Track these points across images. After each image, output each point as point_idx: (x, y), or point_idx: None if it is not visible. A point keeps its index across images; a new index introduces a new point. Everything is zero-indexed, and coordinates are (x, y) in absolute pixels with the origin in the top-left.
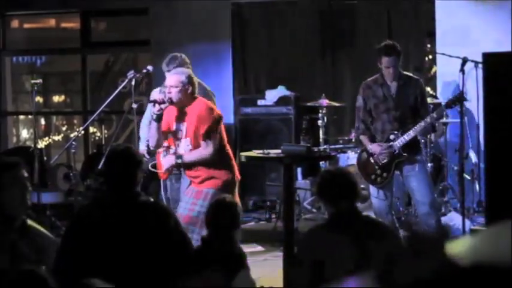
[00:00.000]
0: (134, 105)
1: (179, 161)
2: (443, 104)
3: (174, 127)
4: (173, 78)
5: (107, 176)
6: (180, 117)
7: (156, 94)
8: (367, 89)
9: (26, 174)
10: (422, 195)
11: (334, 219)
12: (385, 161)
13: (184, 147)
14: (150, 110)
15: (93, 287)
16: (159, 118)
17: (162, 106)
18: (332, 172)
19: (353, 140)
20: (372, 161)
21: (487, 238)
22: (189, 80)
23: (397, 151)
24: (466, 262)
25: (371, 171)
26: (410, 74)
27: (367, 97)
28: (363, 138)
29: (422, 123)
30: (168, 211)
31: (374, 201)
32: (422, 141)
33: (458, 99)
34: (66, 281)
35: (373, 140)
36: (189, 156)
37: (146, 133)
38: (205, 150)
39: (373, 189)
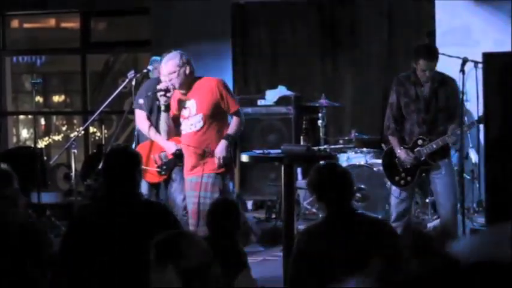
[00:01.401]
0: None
1: (230, 139)
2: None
3: (178, 108)
4: (168, 65)
5: (106, 176)
6: (186, 95)
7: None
8: (400, 86)
9: (16, 186)
10: (445, 199)
11: (332, 217)
12: (410, 166)
13: (195, 124)
14: (159, 102)
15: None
16: (167, 107)
17: (168, 94)
18: (331, 169)
19: (351, 141)
20: (397, 162)
21: (487, 237)
22: (184, 61)
23: (423, 158)
24: (466, 261)
25: (395, 173)
26: (444, 73)
27: (399, 94)
28: (392, 140)
29: (453, 136)
30: (167, 210)
31: (393, 202)
32: None
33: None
34: (69, 281)
35: (402, 142)
36: (233, 130)
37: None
38: (241, 116)
39: (394, 190)
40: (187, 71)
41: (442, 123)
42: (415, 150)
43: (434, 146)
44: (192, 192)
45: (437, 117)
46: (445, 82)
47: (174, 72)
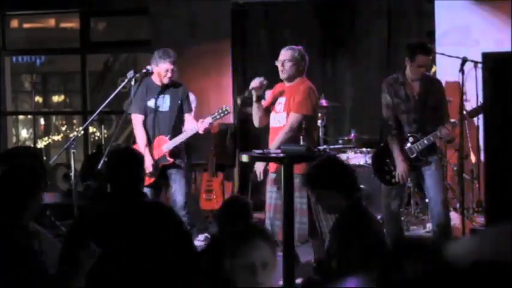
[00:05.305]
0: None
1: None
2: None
3: (272, 100)
4: (287, 53)
5: (109, 177)
6: (282, 91)
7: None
8: (390, 87)
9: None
10: (436, 194)
11: (352, 209)
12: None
13: (280, 120)
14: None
15: None
16: (259, 99)
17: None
18: (340, 160)
19: (351, 141)
20: (388, 161)
21: (487, 237)
22: (302, 57)
23: (415, 155)
24: (465, 262)
25: (386, 172)
26: (430, 75)
27: (391, 94)
28: (395, 145)
29: (443, 130)
30: (170, 210)
31: (385, 201)
32: None
33: (482, 108)
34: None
35: (401, 145)
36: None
37: (141, 132)
38: (291, 122)
39: (385, 189)
40: (300, 67)
41: (431, 123)
42: (406, 147)
43: (426, 142)
44: (269, 187)
45: (427, 117)
46: (433, 82)
47: (290, 61)
